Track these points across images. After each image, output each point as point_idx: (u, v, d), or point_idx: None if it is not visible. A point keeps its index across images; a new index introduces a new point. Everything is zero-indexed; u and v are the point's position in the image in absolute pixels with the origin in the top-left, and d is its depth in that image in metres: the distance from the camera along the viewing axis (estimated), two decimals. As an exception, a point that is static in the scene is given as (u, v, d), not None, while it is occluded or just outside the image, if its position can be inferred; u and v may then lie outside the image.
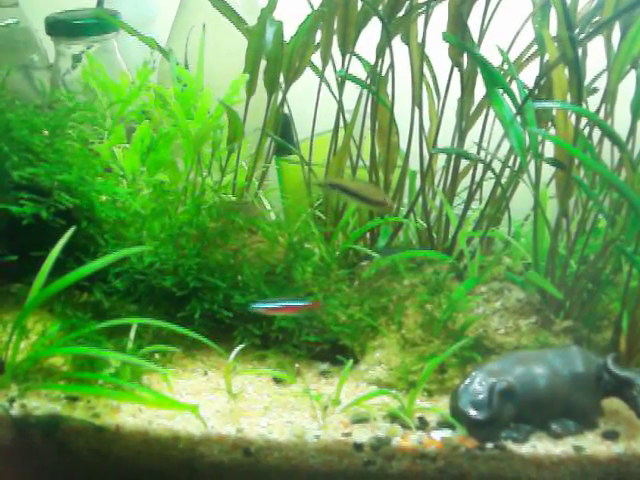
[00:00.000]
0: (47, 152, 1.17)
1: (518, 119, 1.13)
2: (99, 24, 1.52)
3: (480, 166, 1.26)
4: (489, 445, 1.05)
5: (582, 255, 1.17)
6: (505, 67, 1.23)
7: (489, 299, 1.23)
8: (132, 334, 1.13)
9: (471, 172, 1.31)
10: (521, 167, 1.20)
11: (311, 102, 1.32)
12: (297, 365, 1.18)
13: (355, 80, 1.25)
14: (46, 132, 1.18)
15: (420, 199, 1.31)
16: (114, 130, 1.33)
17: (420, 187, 1.30)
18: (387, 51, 1.26)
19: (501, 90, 1.15)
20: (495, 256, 1.24)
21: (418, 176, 1.35)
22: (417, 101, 1.25)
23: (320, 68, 1.31)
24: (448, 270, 1.23)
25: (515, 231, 1.36)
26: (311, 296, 1.20)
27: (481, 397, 1.03)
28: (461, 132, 1.25)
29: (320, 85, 1.31)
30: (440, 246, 1.33)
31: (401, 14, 1.24)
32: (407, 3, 1.21)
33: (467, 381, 1.05)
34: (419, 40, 1.25)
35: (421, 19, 1.25)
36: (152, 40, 1.36)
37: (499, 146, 1.23)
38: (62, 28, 1.52)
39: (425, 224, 1.32)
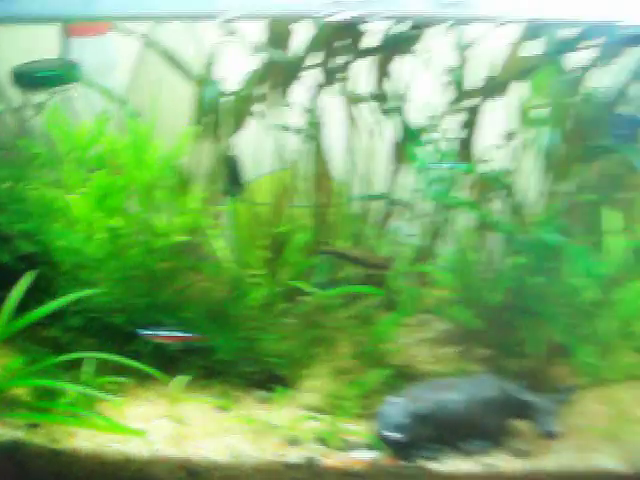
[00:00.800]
0: (9, 201, 1.24)
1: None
2: (60, 76, 1.54)
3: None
4: (406, 462, 1.13)
5: (504, 288, 1.25)
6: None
7: (417, 330, 1.33)
8: (88, 367, 1.20)
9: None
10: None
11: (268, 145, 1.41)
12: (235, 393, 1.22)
13: (291, 130, 1.34)
14: (8, 185, 1.24)
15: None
16: (73, 175, 1.36)
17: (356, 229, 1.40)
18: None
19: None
20: (413, 291, 1.31)
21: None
22: (350, 149, 1.36)
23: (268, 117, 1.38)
24: (379, 303, 1.31)
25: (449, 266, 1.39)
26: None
27: (401, 420, 1.10)
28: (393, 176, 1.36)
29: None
30: (376, 281, 1.39)
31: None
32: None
33: (389, 406, 1.12)
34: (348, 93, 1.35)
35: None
36: (108, 91, 1.44)
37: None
38: (26, 80, 1.58)
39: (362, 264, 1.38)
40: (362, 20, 1.04)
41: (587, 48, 1.17)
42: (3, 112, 1.61)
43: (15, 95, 1.61)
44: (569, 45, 1.10)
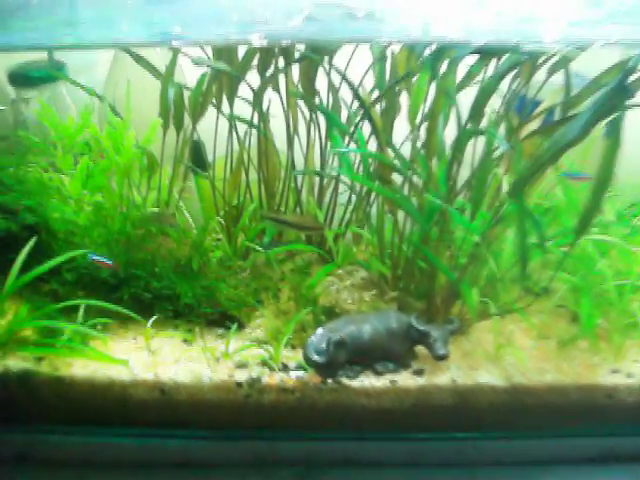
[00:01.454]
0: (14, 183, 1.41)
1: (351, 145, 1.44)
2: (48, 75, 1.69)
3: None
4: (330, 381, 1.29)
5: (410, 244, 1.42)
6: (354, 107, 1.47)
7: (342, 278, 1.50)
8: (80, 312, 1.34)
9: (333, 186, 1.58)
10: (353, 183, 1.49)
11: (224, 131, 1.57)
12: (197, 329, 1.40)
13: (240, 119, 1.52)
14: (12, 169, 1.42)
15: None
16: (64, 159, 1.54)
17: (297, 201, 1.59)
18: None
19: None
20: (344, 247, 1.50)
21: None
22: (291, 134, 1.54)
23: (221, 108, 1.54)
24: (315, 258, 1.52)
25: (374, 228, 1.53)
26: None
27: (322, 346, 1.26)
28: (323, 157, 1.56)
29: (217, 120, 1.54)
30: (315, 241, 1.59)
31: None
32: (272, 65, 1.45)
33: (313, 336, 1.28)
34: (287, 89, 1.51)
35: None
36: (90, 89, 1.56)
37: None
38: (20, 79, 1.72)
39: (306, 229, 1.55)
40: (282, 42, 1.19)
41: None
42: (3, 109, 1.74)
43: (11, 92, 1.75)
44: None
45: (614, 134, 1.12)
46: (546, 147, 1.14)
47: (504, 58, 1.23)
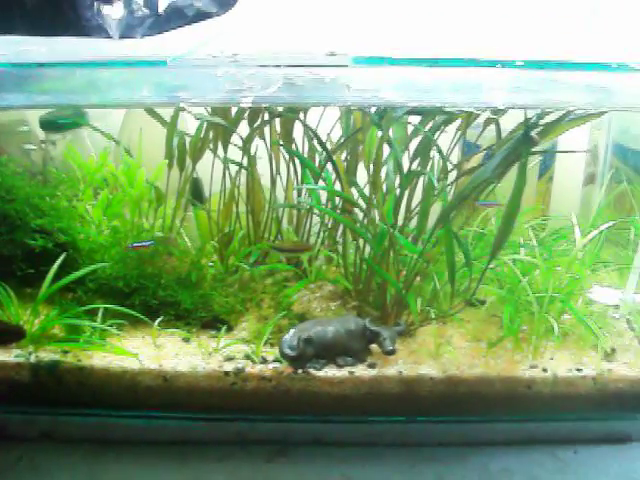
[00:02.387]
0: (49, 210, 1.61)
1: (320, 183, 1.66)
2: (73, 122, 1.87)
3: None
4: (300, 371, 1.45)
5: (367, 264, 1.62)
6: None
7: (313, 291, 1.72)
8: (100, 314, 1.51)
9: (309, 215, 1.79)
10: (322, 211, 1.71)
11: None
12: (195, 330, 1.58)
13: (232, 162, 1.72)
14: (48, 199, 1.61)
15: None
16: (85, 192, 1.74)
17: (278, 230, 1.80)
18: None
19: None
20: (315, 267, 1.72)
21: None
22: (274, 174, 1.76)
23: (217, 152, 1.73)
24: (292, 275, 1.75)
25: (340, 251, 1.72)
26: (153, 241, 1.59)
27: (294, 343, 1.43)
28: (299, 193, 1.79)
29: (213, 162, 1.72)
30: (292, 262, 1.80)
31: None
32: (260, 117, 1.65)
33: (287, 335, 1.45)
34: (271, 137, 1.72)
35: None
36: (108, 134, 1.77)
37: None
38: (49, 125, 1.88)
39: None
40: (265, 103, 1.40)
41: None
42: (35, 149, 1.91)
43: (41, 136, 1.92)
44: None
45: (520, 174, 1.35)
46: (467, 184, 1.43)
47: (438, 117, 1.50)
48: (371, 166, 1.55)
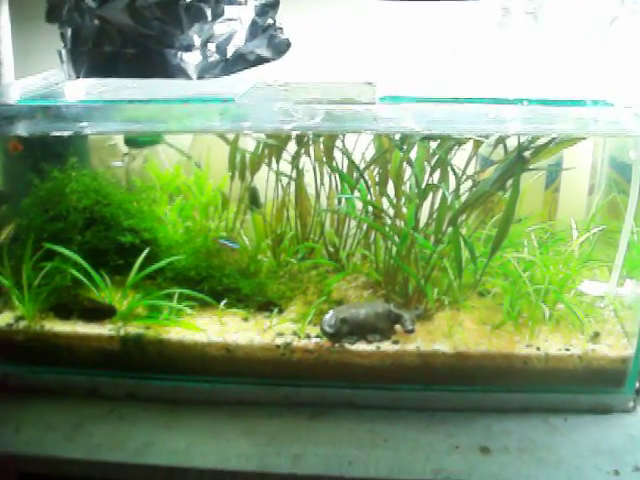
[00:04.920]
0: (136, 212, 1.80)
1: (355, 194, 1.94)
2: (152, 139, 2.05)
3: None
4: (336, 346, 1.60)
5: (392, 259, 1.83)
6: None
7: (349, 282, 1.97)
8: (175, 297, 1.67)
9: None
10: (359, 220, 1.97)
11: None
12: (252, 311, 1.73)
13: (283, 174, 1.97)
14: (135, 203, 1.86)
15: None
16: (162, 198, 1.99)
17: (321, 232, 2.07)
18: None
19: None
20: (352, 263, 1.99)
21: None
22: (318, 186, 2.00)
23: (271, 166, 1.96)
24: (332, 269, 1.99)
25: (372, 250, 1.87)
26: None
27: (332, 322, 1.60)
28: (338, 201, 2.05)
29: (268, 174, 1.94)
30: (334, 258, 2.03)
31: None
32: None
33: (327, 315, 1.60)
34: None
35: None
36: (181, 150, 2.04)
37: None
38: (132, 142, 2.06)
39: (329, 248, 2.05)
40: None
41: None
42: (121, 165, 2.07)
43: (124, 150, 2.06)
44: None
45: (515, 187, 1.64)
46: (471, 194, 1.75)
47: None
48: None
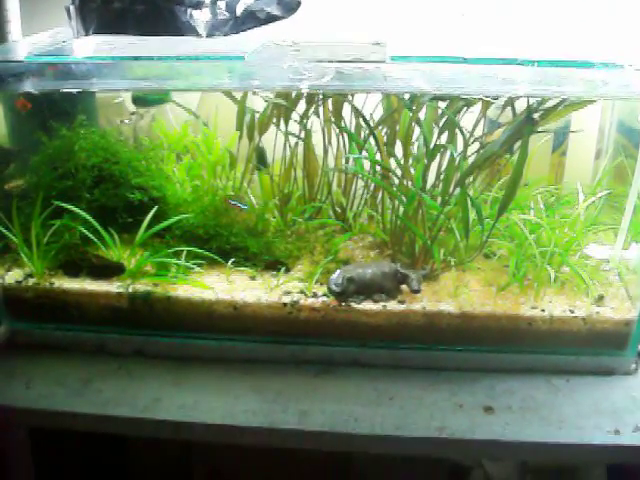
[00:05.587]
0: (144, 171, 1.80)
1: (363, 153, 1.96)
2: (160, 98, 2.07)
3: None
4: (343, 304, 1.62)
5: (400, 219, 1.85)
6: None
7: (356, 242, 1.98)
8: (183, 255, 1.68)
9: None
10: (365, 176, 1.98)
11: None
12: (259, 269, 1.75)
13: (291, 134, 1.97)
14: (143, 162, 1.87)
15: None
16: (170, 157, 2.01)
17: (329, 192, 2.08)
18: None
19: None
20: (359, 222, 2.02)
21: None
22: (326, 145, 2.03)
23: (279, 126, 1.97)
24: (339, 229, 2.02)
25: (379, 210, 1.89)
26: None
27: (339, 281, 1.61)
28: (346, 160, 2.06)
29: (276, 134, 1.94)
30: (341, 218, 2.06)
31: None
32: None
33: (333, 274, 1.62)
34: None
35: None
36: (189, 109, 2.02)
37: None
38: (140, 101, 2.08)
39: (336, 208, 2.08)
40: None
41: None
42: (129, 124, 2.07)
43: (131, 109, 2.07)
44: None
45: (523, 149, 1.64)
46: (478, 155, 1.76)
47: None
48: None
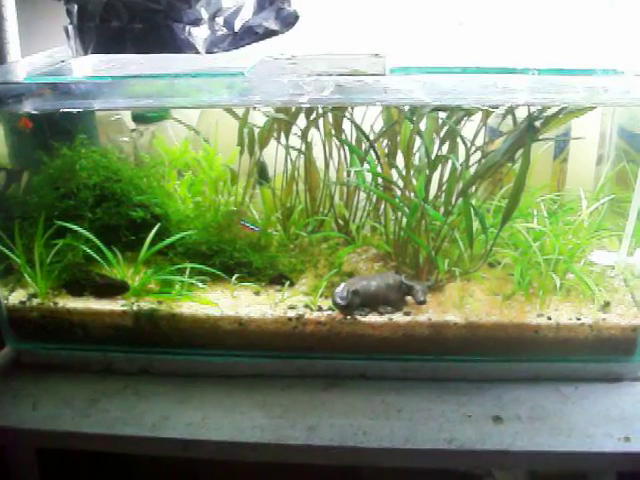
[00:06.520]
0: (146, 188, 1.80)
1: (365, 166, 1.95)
2: (159, 116, 2.10)
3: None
4: (348, 317, 1.61)
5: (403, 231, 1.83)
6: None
7: (360, 254, 1.96)
8: (187, 272, 1.67)
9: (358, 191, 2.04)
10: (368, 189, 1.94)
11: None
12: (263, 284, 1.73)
13: (292, 148, 1.94)
14: (145, 179, 1.86)
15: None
16: (171, 174, 2.01)
17: (331, 204, 2.07)
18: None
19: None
20: (362, 235, 1.99)
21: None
22: (327, 158, 2.01)
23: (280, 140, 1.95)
24: (343, 241, 1.99)
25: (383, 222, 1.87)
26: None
27: (344, 294, 1.60)
28: (347, 174, 2.04)
29: (277, 149, 1.92)
30: (344, 231, 2.05)
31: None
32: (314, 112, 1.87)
33: (338, 287, 1.61)
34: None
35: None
36: (190, 125, 2.03)
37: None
38: (139, 118, 2.11)
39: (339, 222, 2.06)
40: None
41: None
42: (128, 141, 2.08)
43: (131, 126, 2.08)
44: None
45: (525, 157, 1.63)
46: (481, 165, 1.76)
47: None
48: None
